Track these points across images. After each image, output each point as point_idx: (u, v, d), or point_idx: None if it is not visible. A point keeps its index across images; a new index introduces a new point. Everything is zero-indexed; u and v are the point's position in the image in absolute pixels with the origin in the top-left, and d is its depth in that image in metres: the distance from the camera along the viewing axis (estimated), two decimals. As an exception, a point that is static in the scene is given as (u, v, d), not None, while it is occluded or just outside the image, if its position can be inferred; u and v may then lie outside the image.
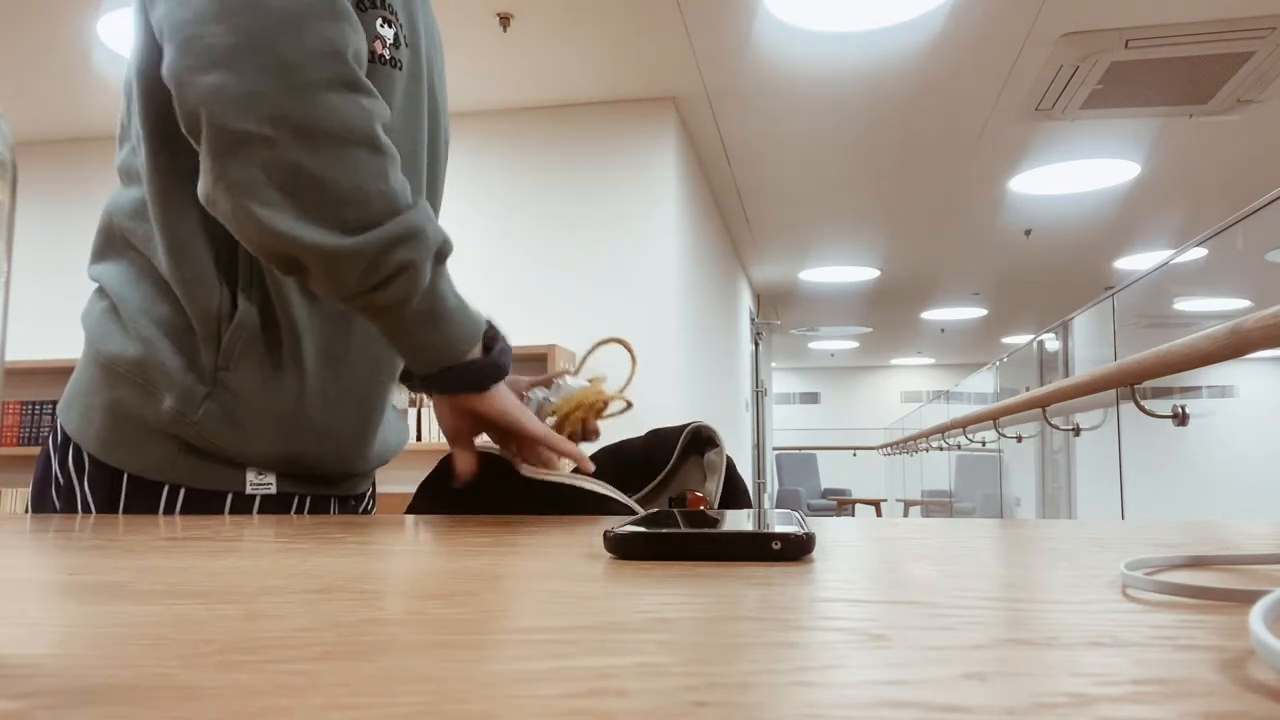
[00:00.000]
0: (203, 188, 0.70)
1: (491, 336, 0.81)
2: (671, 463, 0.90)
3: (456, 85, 4.02)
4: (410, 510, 0.89)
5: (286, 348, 0.82)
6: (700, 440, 0.92)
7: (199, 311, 0.80)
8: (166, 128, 0.80)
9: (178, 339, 0.81)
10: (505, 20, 3.50)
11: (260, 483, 0.83)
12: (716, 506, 0.88)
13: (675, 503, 0.87)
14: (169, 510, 0.81)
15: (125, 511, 0.81)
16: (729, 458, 0.91)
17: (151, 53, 0.80)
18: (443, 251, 0.75)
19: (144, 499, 0.81)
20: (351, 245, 0.68)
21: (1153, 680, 0.21)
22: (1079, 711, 0.18)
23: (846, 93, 4.18)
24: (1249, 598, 0.31)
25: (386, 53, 0.82)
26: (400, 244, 0.70)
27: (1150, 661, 0.22)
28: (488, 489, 0.84)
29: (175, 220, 0.81)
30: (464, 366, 0.78)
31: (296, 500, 0.87)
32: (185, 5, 0.68)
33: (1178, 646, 0.24)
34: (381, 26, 0.82)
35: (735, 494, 0.90)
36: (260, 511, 0.83)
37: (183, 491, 0.81)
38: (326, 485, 0.91)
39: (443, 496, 0.86)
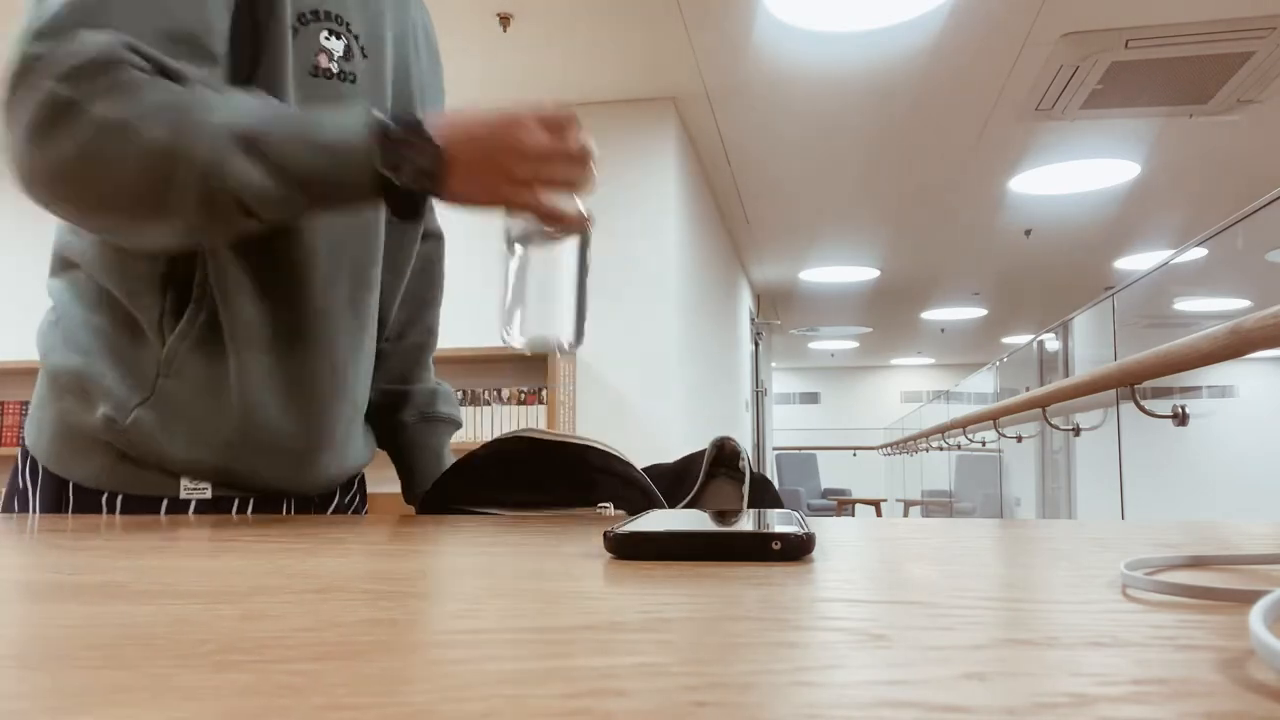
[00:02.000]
0: None
1: (382, 126, 0.70)
2: (700, 481, 0.89)
3: (457, 85, 4.02)
4: (437, 486, 0.91)
5: (232, 360, 0.81)
6: (726, 455, 0.91)
7: (146, 321, 0.80)
8: None
9: (115, 351, 0.81)
10: (505, 20, 3.50)
11: (195, 487, 0.83)
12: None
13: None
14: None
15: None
16: (764, 476, 0.91)
17: None
18: (247, 136, 0.67)
19: (87, 508, 0.83)
20: (168, 214, 0.68)
21: (1153, 680, 0.21)
22: (1079, 711, 0.18)
23: (847, 93, 4.18)
24: (1249, 598, 0.31)
25: (334, 66, 0.81)
26: (194, 183, 0.66)
27: (1150, 661, 0.22)
28: (505, 469, 0.87)
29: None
30: (395, 187, 0.70)
31: (237, 502, 0.85)
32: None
33: (1178, 646, 0.24)
34: (327, 39, 0.80)
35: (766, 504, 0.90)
36: (198, 514, 0.83)
37: (120, 498, 0.82)
38: (272, 492, 0.89)
39: (471, 479, 0.89)
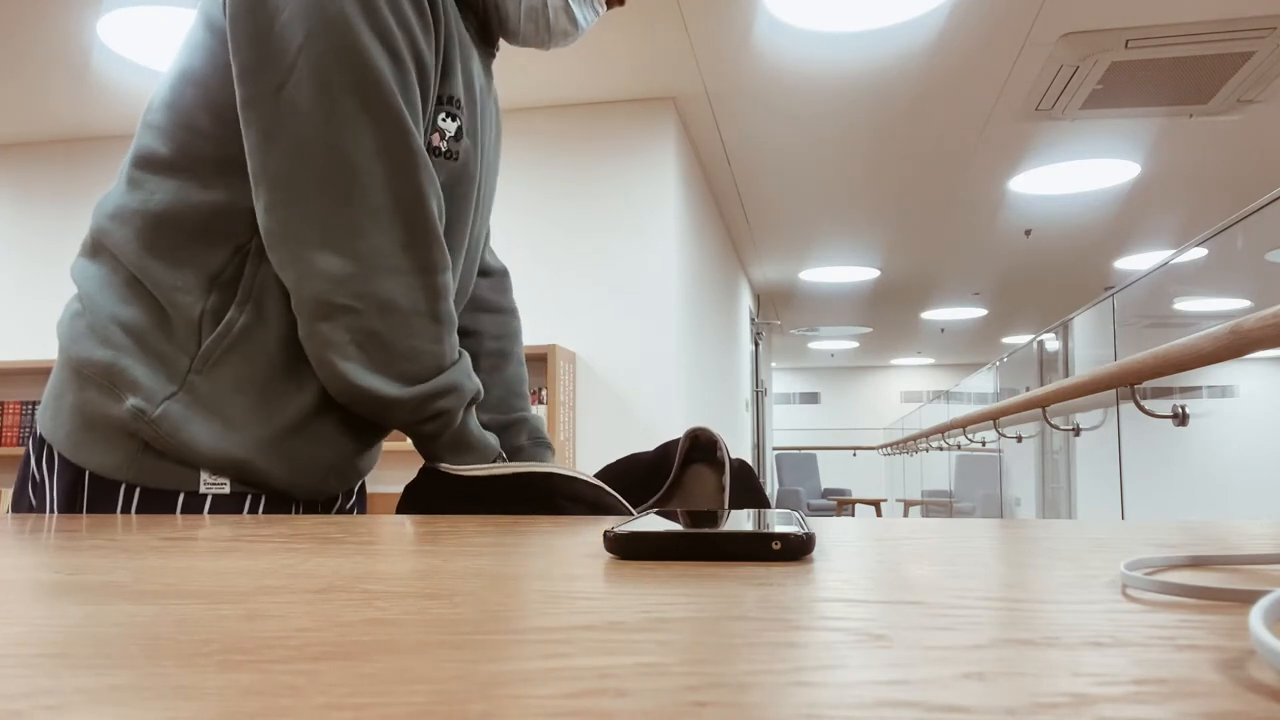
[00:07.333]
0: (300, 332, 0.82)
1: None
2: (674, 472, 0.90)
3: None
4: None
5: (270, 365, 0.84)
6: (701, 445, 0.92)
7: (181, 317, 0.82)
8: (203, 126, 0.83)
9: (145, 344, 0.83)
10: (505, 20, 3.50)
11: (214, 482, 0.84)
12: (729, 504, 0.88)
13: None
14: (125, 509, 0.83)
15: (87, 510, 0.83)
16: (745, 462, 0.91)
17: (207, 54, 0.83)
18: (475, 399, 0.88)
19: (103, 497, 0.83)
20: (405, 395, 0.82)
21: (1153, 680, 0.21)
22: (1079, 711, 0.18)
23: (847, 93, 4.18)
24: (1249, 598, 0.31)
25: (444, 145, 0.88)
26: (441, 396, 0.84)
27: (1150, 661, 0.22)
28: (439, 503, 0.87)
29: (184, 225, 0.83)
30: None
31: (249, 499, 0.86)
32: (292, 176, 0.78)
33: (1178, 646, 0.24)
34: (444, 120, 0.88)
35: (753, 497, 0.90)
36: (212, 510, 0.83)
37: (138, 491, 0.83)
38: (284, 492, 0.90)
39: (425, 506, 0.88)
